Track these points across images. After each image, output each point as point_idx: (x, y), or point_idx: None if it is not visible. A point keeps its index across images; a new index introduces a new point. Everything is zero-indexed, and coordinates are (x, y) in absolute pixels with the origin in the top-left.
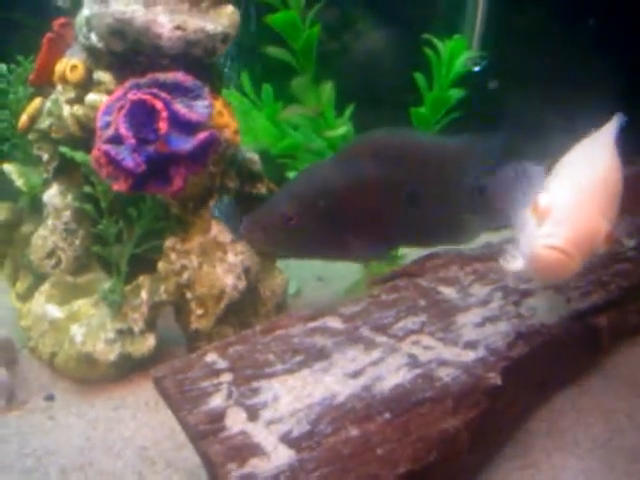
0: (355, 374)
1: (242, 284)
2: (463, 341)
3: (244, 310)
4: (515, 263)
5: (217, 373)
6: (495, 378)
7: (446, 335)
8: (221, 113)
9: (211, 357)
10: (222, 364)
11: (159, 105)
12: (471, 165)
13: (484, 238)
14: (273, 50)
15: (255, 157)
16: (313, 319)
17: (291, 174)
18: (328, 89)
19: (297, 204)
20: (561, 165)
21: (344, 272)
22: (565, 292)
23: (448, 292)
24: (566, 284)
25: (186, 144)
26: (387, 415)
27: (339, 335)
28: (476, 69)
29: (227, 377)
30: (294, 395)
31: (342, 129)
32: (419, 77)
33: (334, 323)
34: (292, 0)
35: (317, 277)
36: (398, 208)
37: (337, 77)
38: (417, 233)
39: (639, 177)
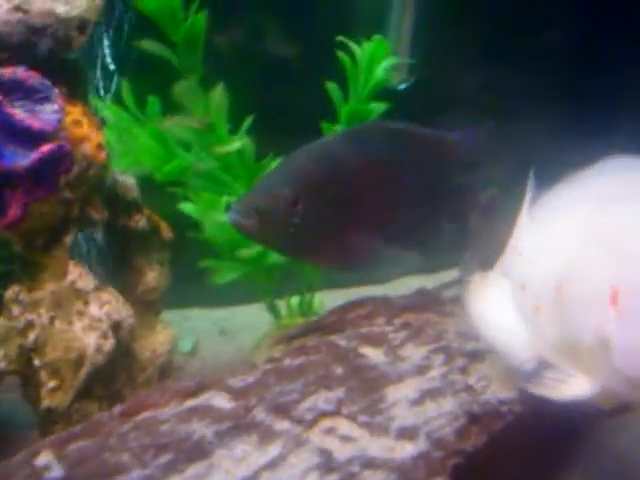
0: None
1: (109, 344)
2: (396, 427)
3: (115, 378)
4: (575, 388)
5: None
6: None
7: (372, 418)
8: (79, 123)
9: (44, 458)
10: (56, 471)
11: None
12: (459, 163)
13: (415, 282)
14: (148, 44)
15: (131, 182)
16: (193, 395)
17: (185, 206)
18: (219, 95)
19: (305, 184)
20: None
21: (252, 322)
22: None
23: (373, 355)
24: None
25: (24, 159)
26: None
27: (225, 420)
28: (402, 87)
29: None
30: None
31: (237, 144)
32: (332, 87)
33: (220, 401)
34: None
35: (219, 330)
36: (401, 202)
37: (234, 87)
38: (410, 234)
39: None
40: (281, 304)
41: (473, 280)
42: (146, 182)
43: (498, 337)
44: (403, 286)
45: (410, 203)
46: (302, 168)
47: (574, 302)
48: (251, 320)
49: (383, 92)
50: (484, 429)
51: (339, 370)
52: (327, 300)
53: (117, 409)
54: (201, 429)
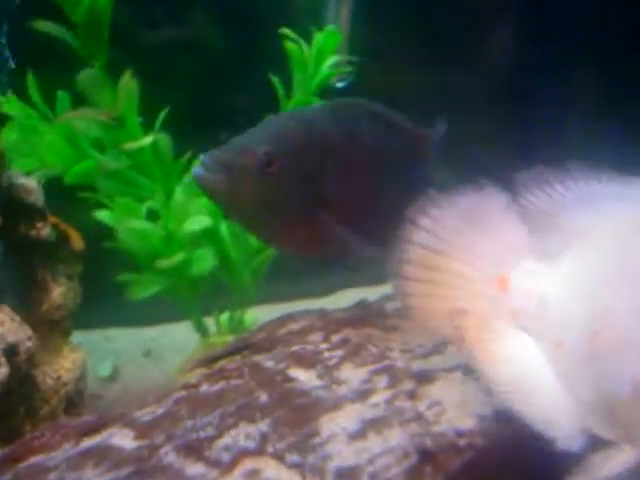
0: None
1: (3, 371)
2: (333, 468)
3: (11, 413)
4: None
5: None
6: None
7: (304, 458)
8: None
9: None
10: None
11: None
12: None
13: (356, 294)
14: (43, 25)
15: (31, 185)
16: (92, 433)
17: (99, 213)
18: (127, 84)
19: (281, 144)
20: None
21: (181, 342)
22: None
23: (305, 378)
24: None
25: None
26: None
27: (125, 464)
28: (340, 85)
29: None
30: None
31: (148, 139)
32: (275, 80)
33: (121, 440)
34: None
35: (144, 351)
36: (377, 190)
37: (159, 79)
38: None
39: None
40: (210, 321)
41: (469, 328)
42: (58, 187)
43: (538, 408)
44: (346, 299)
45: (385, 193)
46: (282, 130)
47: (607, 352)
48: (180, 340)
49: (321, 90)
50: (439, 469)
51: (264, 397)
52: (263, 315)
53: None
54: (95, 478)
